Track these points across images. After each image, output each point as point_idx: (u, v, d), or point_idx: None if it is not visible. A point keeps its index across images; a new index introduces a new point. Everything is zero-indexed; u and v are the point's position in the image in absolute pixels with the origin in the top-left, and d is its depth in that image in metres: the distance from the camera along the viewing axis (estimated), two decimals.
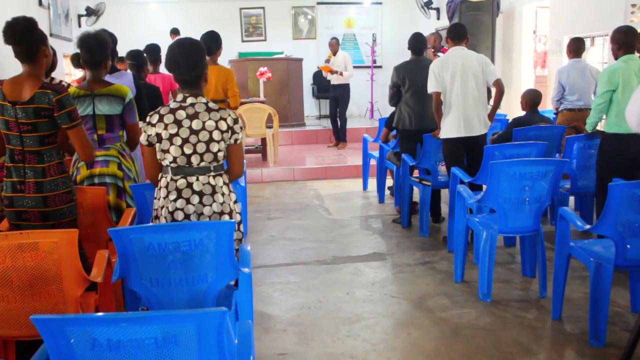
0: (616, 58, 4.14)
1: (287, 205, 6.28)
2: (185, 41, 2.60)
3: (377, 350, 3.06)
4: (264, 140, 8.22)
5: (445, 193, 5.23)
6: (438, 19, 10.62)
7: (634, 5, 6.09)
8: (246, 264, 2.63)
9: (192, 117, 2.51)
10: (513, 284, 3.92)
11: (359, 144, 7.45)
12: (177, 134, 2.49)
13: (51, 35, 8.60)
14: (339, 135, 9.26)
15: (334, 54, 9.10)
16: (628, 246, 2.94)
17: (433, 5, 10.58)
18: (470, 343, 3.12)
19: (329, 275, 4.16)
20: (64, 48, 9.01)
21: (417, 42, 5.31)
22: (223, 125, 2.53)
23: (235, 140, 2.59)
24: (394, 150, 5.74)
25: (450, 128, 4.58)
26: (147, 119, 2.56)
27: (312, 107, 12.13)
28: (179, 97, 2.57)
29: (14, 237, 2.29)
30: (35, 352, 1.77)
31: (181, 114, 2.51)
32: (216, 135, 2.51)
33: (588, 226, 3.12)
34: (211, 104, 2.57)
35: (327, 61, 9.24)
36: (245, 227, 4.99)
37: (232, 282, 2.59)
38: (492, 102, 4.88)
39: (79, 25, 10.21)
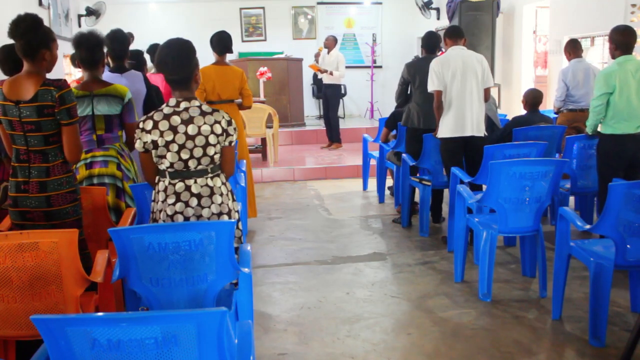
0: (613, 57, 4.13)
1: (287, 205, 6.28)
2: (174, 41, 2.57)
3: (377, 350, 3.06)
4: (264, 140, 8.22)
5: (445, 193, 5.23)
6: (438, 19, 10.62)
7: (634, 5, 6.09)
8: (246, 264, 2.63)
9: (187, 122, 2.48)
10: (513, 284, 3.92)
11: (359, 144, 7.45)
12: (173, 141, 2.47)
13: None
14: (332, 135, 9.21)
15: (329, 51, 9.03)
16: (628, 246, 2.94)
17: (433, 5, 10.57)
18: (470, 343, 3.12)
19: (329, 275, 4.16)
20: (64, 48, 9.00)
21: (431, 40, 5.29)
22: (218, 129, 2.51)
23: (230, 142, 2.58)
24: (394, 150, 5.74)
25: (447, 128, 4.58)
26: (141, 125, 2.52)
27: (312, 107, 12.13)
28: (172, 101, 2.53)
29: (14, 237, 2.29)
30: (35, 352, 1.77)
31: (176, 120, 2.48)
32: (212, 139, 2.50)
33: (588, 226, 3.12)
34: (205, 107, 2.53)
35: (317, 55, 9.15)
36: (245, 227, 5.00)
37: (233, 282, 2.59)
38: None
39: (79, 25, 10.20)
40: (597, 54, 7.10)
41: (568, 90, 5.52)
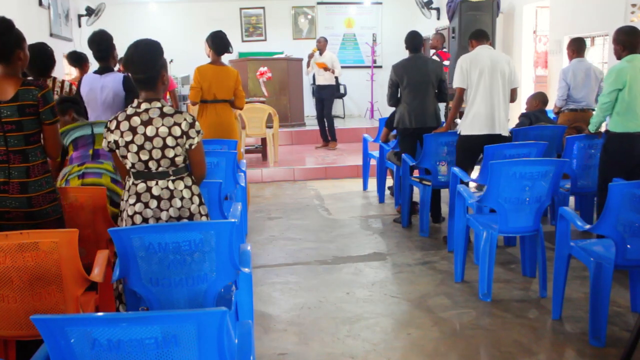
0: (619, 58, 4.13)
1: (287, 205, 6.28)
2: (142, 41, 2.59)
3: (377, 350, 3.06)
4: (264, 140, 8.22)
5: (445, 193, 5.23)
6: (438, 18, 10.62)
7: (634, 5, 6.09)
8: (246, 264, 2.63)
9: (146, 123, 2.49)
10: (513, 284, 3.92)
11: (359, 144, 7.45)
12: (132, 141, 2.48)
13: (51, 35, 8.60)
14: (328, 135, 9.24)
15: (321, 53, 9.09)
16: (628, 246, 2.94)
17: (433, 5, 10.58)
18: (470, 343, 3.12)
19: (329, 275, 4.16)
20: (64, 48, 9.00)
21: (414, 40, 5.33)
22: (177, 131, 2.49)
23: (191, 145, 2.55)
24: (394, 150, 5.74)
25: (472, 125, 4.56)
26: (107, 125, 2.56)
27: (312, 107, 12.04)
28: (135, 102, 2.55)
29: (14, 237, 2.29)
30: (35, 352, 1.77)
31: (136, 121, 2.49)
32: (170, 141, 2.49)
33: (588, 226, 3.12)
34: (166, 109, 2.53)
35: (311, 56, 9.28)
36: (246, 227, 4.99)
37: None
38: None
39: (79, 25, 10.21)
40: (597, 54, 7.10)
41: (569, 90, 5.52)
